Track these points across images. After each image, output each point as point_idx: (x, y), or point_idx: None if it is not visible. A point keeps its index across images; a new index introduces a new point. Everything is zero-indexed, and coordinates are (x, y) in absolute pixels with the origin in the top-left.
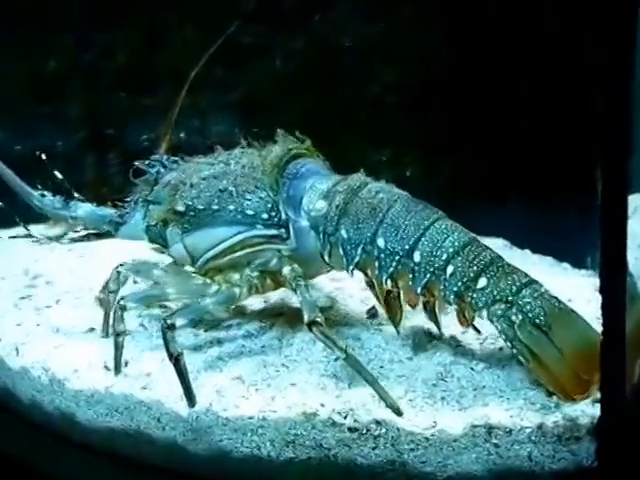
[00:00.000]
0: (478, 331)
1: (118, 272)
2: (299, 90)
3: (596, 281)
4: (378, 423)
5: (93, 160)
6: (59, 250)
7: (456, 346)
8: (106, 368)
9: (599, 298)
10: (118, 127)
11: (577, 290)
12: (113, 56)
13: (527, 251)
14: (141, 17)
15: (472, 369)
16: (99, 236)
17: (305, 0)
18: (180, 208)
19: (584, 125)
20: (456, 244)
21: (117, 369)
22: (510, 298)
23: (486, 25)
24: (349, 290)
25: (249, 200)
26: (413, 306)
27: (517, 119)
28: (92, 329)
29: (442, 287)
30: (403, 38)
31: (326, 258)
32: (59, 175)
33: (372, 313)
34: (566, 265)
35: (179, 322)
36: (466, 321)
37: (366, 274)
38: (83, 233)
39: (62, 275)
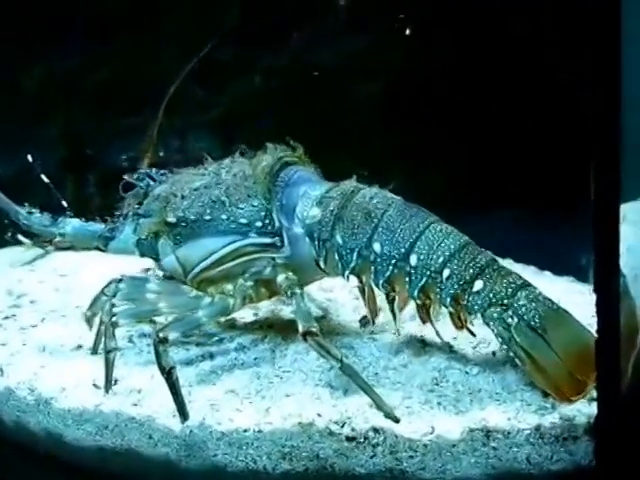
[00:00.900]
0: (473, 334)
1: (112, 304)
2: (279, 107)
3: (581, 286)
4: (376, 431)
5: (72, 180)
6: (42, 270)
7: (449, 351)
8: (95, 386)
9: (587, 301)
10: (96, 147)
11: (565, 295)
12: (91, 76)
13: (510, 260)
14: (120, 37)
15: (467, 373)
16: (86, 248)
17: (283, 18)
18: (171, 219)
19: (564, 134)
20: (452, 247)
21: (108, 387)
22: (506, 301)
23: (471, 34)
24: (340, 300)
25: (242, 209)
26: (403, 307)
27: (498, 131)
28: (79, 346)
29: (438, 290)
30: (382, 52)
31: (321, 264)
32: (47, 181)
33: (365, 322)
34: (547, 273)
35: (171, 335)
36: (461, 324)
37: (361, 280)
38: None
39: (47, 294)
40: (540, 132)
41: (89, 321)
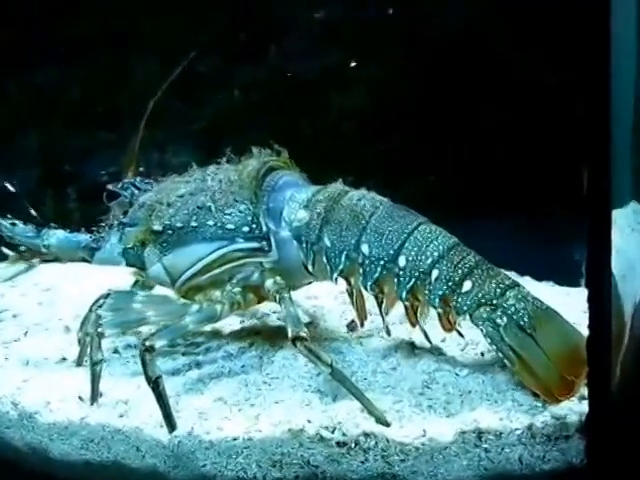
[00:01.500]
0: (461, 335)
1: (98, 315)
2: (259, 120)
3: (563, 289)
4: (367, 435)
5: (51, 196)
6: (24, 284)
7: (438, 354)
8: (80, 399)
9: (570, 302)
10: (75, 162)
11: (548, 297)
12: (70, 90)
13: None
14: (97, 53)
15: (457, 375)
16: (72, 259)
17: (261, 32)
18: (157, 227)
19: (545, 144)
20: (441, 248)
21: (94, 399)
22: (495, 301)
23: (455, 45)
24: (326, 306)
25: (229, 214)
26: (390, 308)
27: (476, 141)
28: (64, 359)
29: (427, 291)
30: (361, 66)
31: (310, 268)
32: (13, 190)
33: (352, 327)
34: (527, 278)
35: (158, 344)
36: (450, 326)
37: (349, 282)
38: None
39: (29, 308)
40: (520, 141)
41: (80, 341)
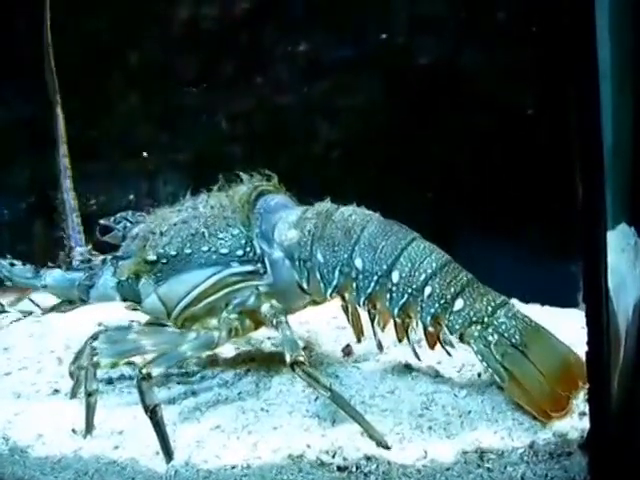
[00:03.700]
0: (449, 354)
1: (92, 347)
2: (246, 150)
3: (551, 309)
4: (368, 459)
5: (41, 226)
6: (13, 317)
7: (435, 375)
8: (74, 432)
9: (559, 322)
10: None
11: (537, 317)
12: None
13: None
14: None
15: (455, 396)
16: (72, 303)
17: (247, 62)
18: (151, 257)
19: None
20: (434, 265)
21: (88, 431)
22: (486, 319)
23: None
24: (320, 331)
25: (222, 239)
26: (384, 326)
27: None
28: (56, 391)
29: (419, 309)
30: (346, 95)
31: (304, 286)
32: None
33: (347, 351)
34: (514, 300)
35: (155, 371)
36: (434, 342)
37: (343, 298)
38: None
39: (20, 341)
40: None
41: (72, 374)
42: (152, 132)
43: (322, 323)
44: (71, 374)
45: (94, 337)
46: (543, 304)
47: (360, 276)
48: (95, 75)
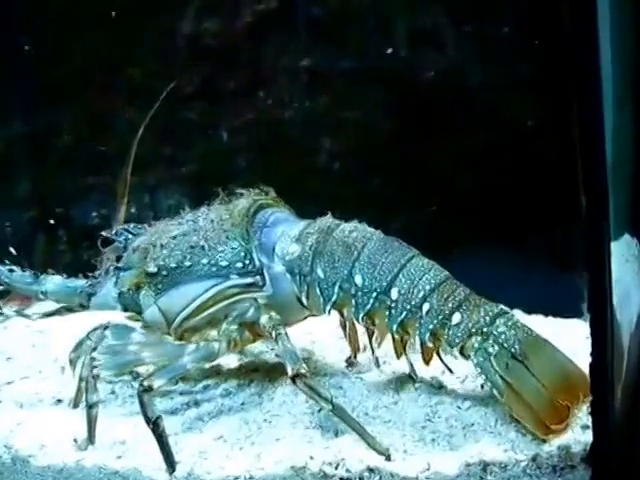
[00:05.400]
0: (449, 368)
1: (93, 358)
2: (247, 164)
3: (554, 320)
4: (371, 470)
5: (43, 239)
6: (16, 327)
7: (438, 387)
8: (75, 442)
9: (561, 332)
10: (66, 206)
11: (539, 327)
12: (58, 136)
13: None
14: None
15: (459, 408)
16: (70, 309)
17: (248, 77)
18: (152, 269)
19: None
20: (432, 282)
21: (91, 442)
22: (485, 329)
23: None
24: (324, 341)
25: (222, 251)
26: (381, 341)
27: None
28: (59, 401)
29: (418, 325)
30: (347, 108)
31: (304, 300)
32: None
33: (351, 362)
34: (517, 311)
35: (157, 384)
36: (429, 358)
37: (342, 314)
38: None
39: (23, 350)
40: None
41: (72, 362)
42: (154, 146)
43: (326, 333)
44: (71, 361)
45: (95, 331)
46: (547, 315)
47: (359, 292)
48: (96, 89)
